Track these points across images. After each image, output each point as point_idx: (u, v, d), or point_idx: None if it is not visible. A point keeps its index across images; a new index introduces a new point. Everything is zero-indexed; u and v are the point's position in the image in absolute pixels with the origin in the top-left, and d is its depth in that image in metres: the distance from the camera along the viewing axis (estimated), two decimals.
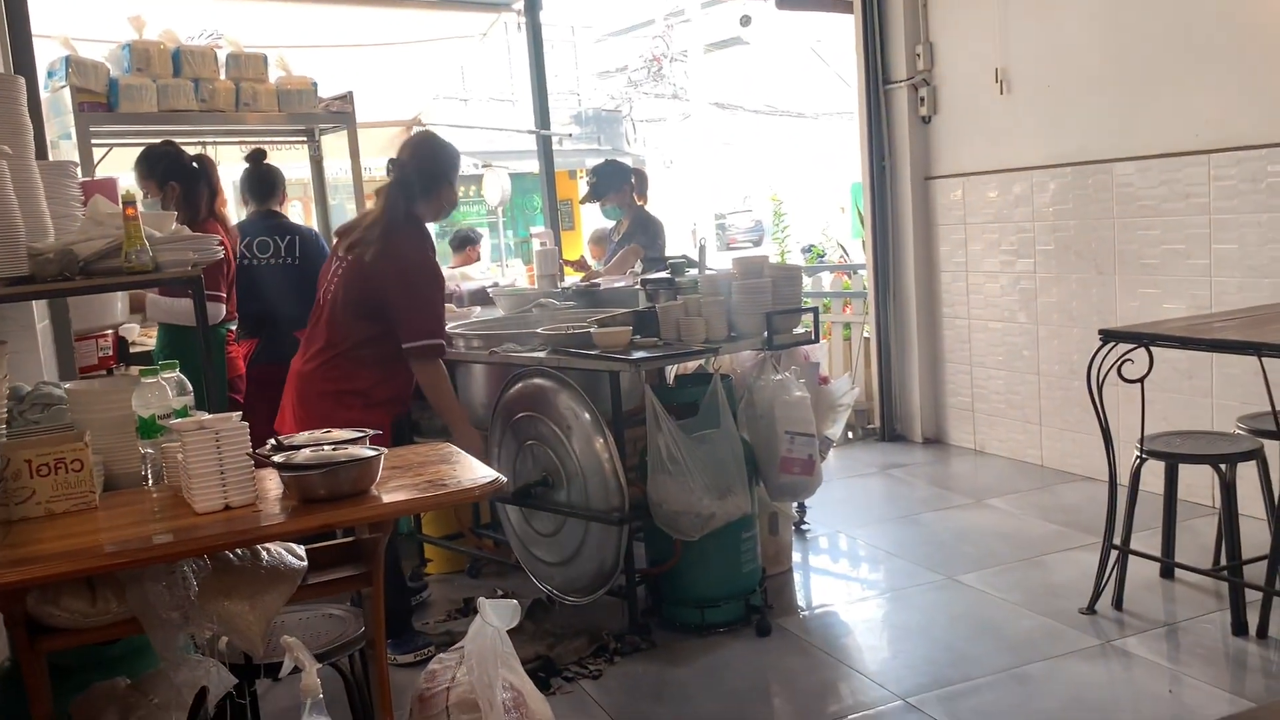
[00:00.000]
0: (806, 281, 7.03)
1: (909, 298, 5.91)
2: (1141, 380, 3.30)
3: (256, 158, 4.47)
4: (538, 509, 3.69)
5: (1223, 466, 3.35)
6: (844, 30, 6.24)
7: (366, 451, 1.87)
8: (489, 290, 5.23)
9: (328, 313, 3.43)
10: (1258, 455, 3.37)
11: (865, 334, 6.35)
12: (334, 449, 1.88)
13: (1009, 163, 5.25)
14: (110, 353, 3.76)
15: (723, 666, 3.35)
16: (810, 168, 19.18)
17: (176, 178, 4.03)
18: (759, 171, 21.04)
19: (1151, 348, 3.30)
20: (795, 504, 4.47)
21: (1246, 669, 3.14)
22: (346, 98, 5.40)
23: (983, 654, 3.28)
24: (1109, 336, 3.35)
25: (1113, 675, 3.15)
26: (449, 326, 3.96)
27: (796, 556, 4.32)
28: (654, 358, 3.50)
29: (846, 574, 4.31)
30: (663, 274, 4.03)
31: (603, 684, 3.28)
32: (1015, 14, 5.11)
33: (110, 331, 3.77)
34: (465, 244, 8.16)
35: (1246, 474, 3.48)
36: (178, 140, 4.37)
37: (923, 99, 5.67)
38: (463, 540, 4.33)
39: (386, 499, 1.86)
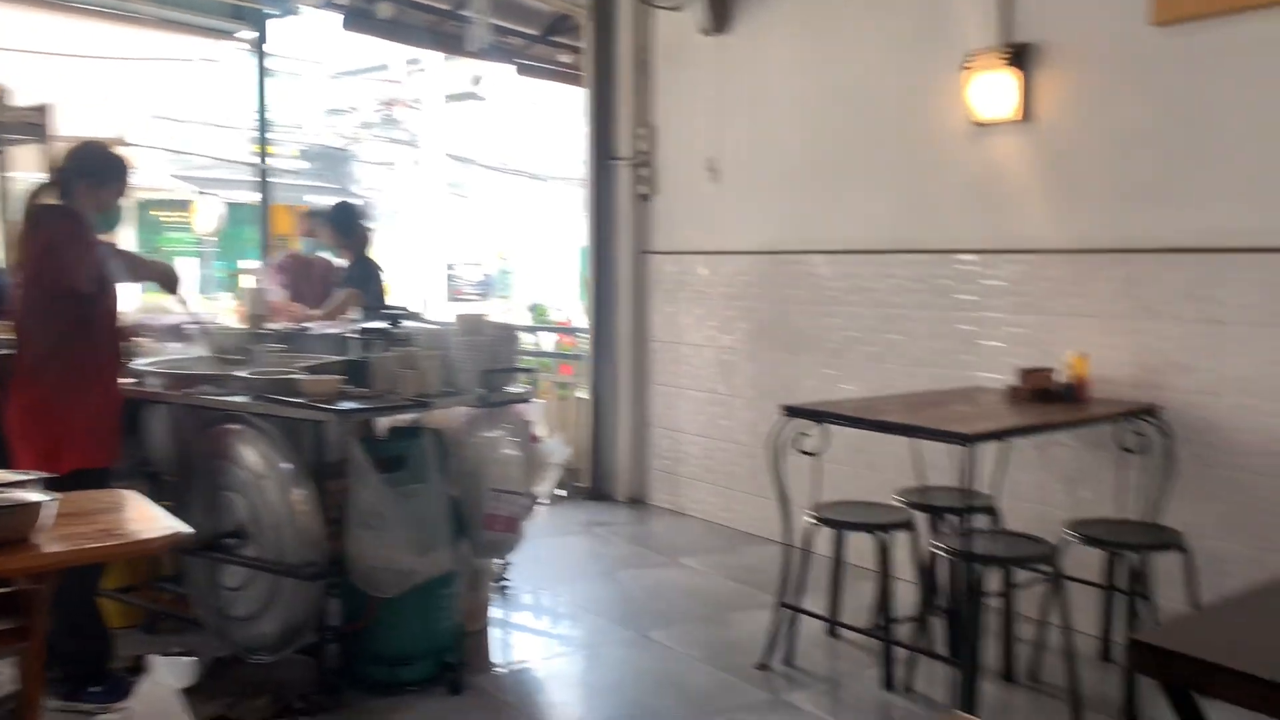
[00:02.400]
0: (529, 340, 7.18)
1: (622, 363, 6.17)
2: (817, 454, 3.64)
3: None
4: (226, 562, 3.52)
5: (880, 534, 3.73)
6: (575, 102, 6.51)
7: (32, 496, 1.75)
8: (188, 327, 4.94)
9: (20, 336, 3.33)
10: (909, 525, 3.79)
11: (580, 395, 6.54)
12: None
13: (717, 245, 5.65)
14: None
15: None
16: (542, 227, 19.56)
17: None
18: (491, 226, 21.20)
19: (825, 424, 3.65)
20: (498, 561, 4.51)
21: None
22: (42, 109, 5.01)
23: (665, 708, 3.45)
24: (789, 412, 3.67)
25: None
26: (143, 364, 3.78)
27: (498, 613, 4.36)
28: (362, 409, 3.46)
29: (544, 631, 4.39)
30: (380, 324, 3.99)
31: None
32: (729, 111, 5.54)
33: None
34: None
35: (904, 541, 3.91)
36: None
37: (643, 177, 6.00)
38: (139, 593, 4.03)
39: (47, 548, 1.74)
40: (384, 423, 3.96)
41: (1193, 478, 3.73)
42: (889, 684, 3.61)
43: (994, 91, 4.20)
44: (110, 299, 3.43)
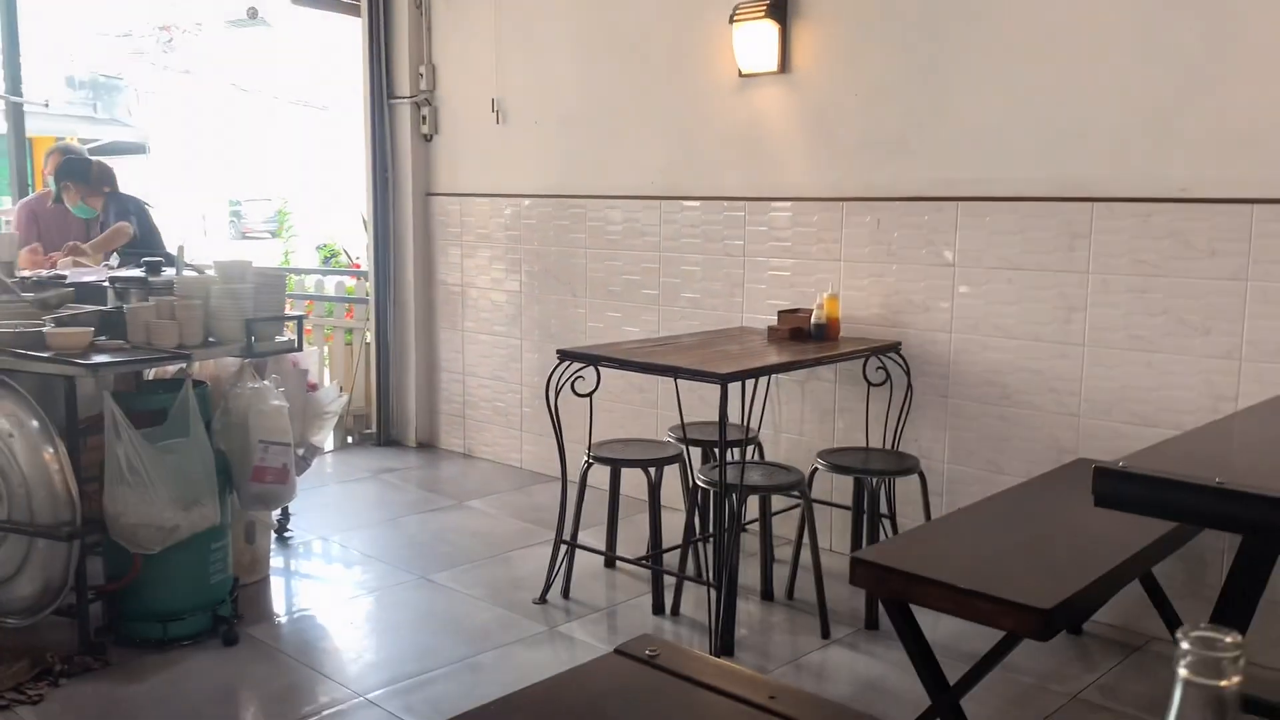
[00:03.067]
0: (313, 282, 7.00)
1: (408, 307, 6.13)
2: (590, 395, 3.77)
3: None
4: None
5: (651, 469, 3.92)
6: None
7: None
8: None
9: None
10: (679, 459, 4.00)
11: (367, 340, 6.46)
12: None
13: (501, 188, 5.66)
14: None
15: (183, 679, 3.28)
16: (333, 161, 18.85)
17: None
18: (279, 160, 20.24)
19: (599, 366, 3.78)
20: (277, 511, 4.47)
21: None
22: None
23: (442, 647, 3.54)
24: (564, 356, 3.78)
25: (557, 657, 3.55)
26: None
27: (278, 563, 4.33)
28: (116, 362, 3.33)
29: (327, 578, 4.39)
30: (136, 272, 3.83)
31: (43, 709, 3.07)
32: (509, 52, 5.53)
33: None
34: None
35: (674, 475, 4.13)
36: None
37: (424, 117, 5.92)
38: None
39: None
40: (145, 376, 3.84)
41: (930, 408, 4.09)
42: (658, 609, 3.83)
43: (756, 43, 4.38)
44: None
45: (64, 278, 4.36)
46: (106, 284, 3.92)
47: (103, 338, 3.49)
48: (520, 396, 5.71)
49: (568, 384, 3.77)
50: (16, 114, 6.95)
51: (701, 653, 1.26)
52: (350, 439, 6.37)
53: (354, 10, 6.34)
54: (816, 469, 3.85)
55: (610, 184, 5.16)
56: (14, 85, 6.90)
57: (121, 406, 3.25)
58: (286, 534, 4.61)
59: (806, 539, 3.76)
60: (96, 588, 3.48)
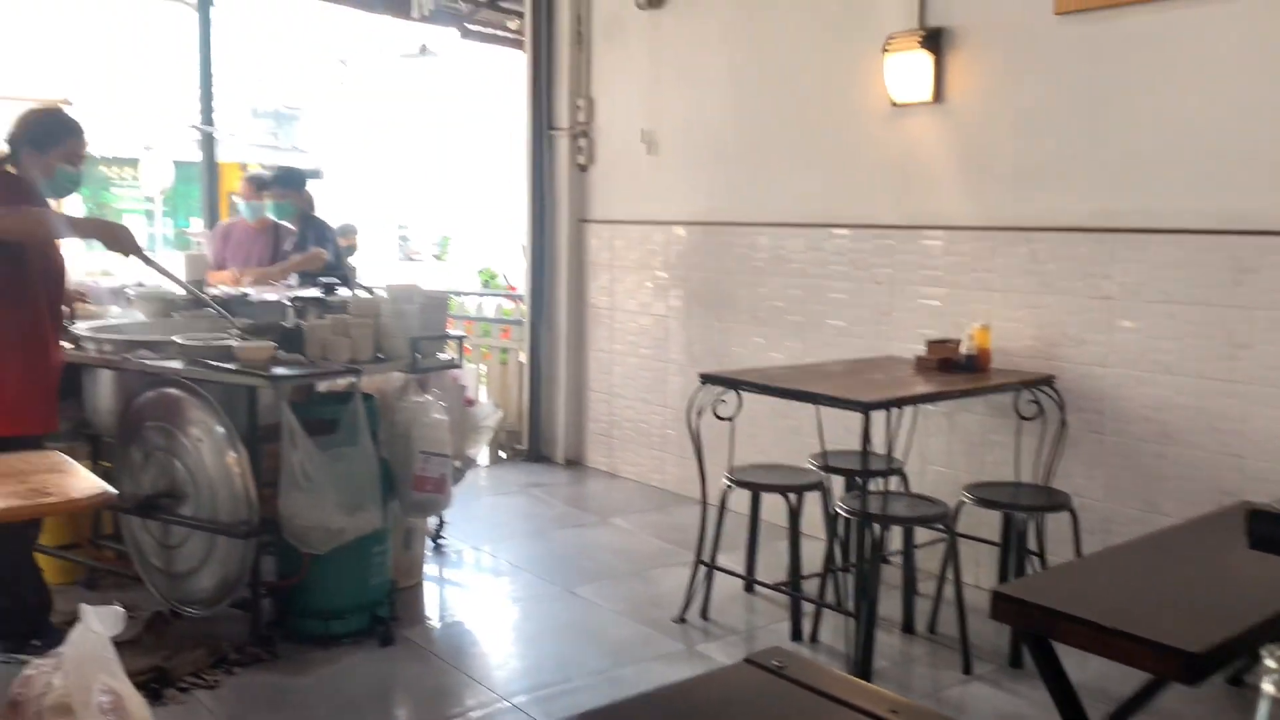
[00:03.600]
0: (474, 304, 7.32)
1: (560, 329, 6.34)
2: (731, 419, 3.84)
3: None
4: (163, 520, 3.66)
5: (791, 495, 3.95)
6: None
7: None
8: (129, 291, 5.02)
9: None
10: (820, 487, 4.01)
11: (521, 359, 6.70)
12: None
13: (651, 215, 5.81)
14: None
15: (343, 675, 3.49)
16: (491, 189, 19.54)
17: None
18: (441, 186, 21.13)
19: (740, 391, 3.84)
20: (433, 520, 4.69)
21: None
22: None
23: (584, 658, 3.66)
24: (706, 379, 3.86)
25: (694, 674, 3.60)
26: (83, 327, 3.87)
27: (432, 570, 4.54)
28: (295, 375, 3.59)
29: (477, 586, 4.58)
30: (314, 292, 4.12)
31: (219, 694, 3.33)
32: (664, 85, 5.68)
33: None
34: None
35: (814, 502, 4.13)
36: None
37: (581, 148, 6.14)
38: (80, 550, 4.16)
39: None
40: (318, 388, 4.12)
41: (1084, 444, 3.98)
42: (796, 635, 3.84)
43: (910, 73, 4.39)
44: (50, 263, 3.46)
45: (248, 295, 4.72)
46: (288, 303, 4.23)
47: (282, 352, 3.77)
48: (664, 418, 5.82)
49: (710, 407, 3.84)
50: (208, 142, 7.56)
51: (827, 666, 1.31)
52: (502, 454, 6.61)
53: (518, 44, 6.64)
54: (963, 503, 3.80)
55: (759, 211, 5.23)
56: (207, 115, 7.51)
57: (297, 416, 3.51)
58: (441, 542, 4.83)
59: (950, 573, 3.71)
60: (269, 584, 3.74)
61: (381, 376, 4.13)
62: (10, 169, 3.42)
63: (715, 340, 5.48)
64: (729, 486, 3.95)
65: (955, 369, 4.01)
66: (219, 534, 3.52)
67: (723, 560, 4.09)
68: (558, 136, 6.22)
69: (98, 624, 2.21)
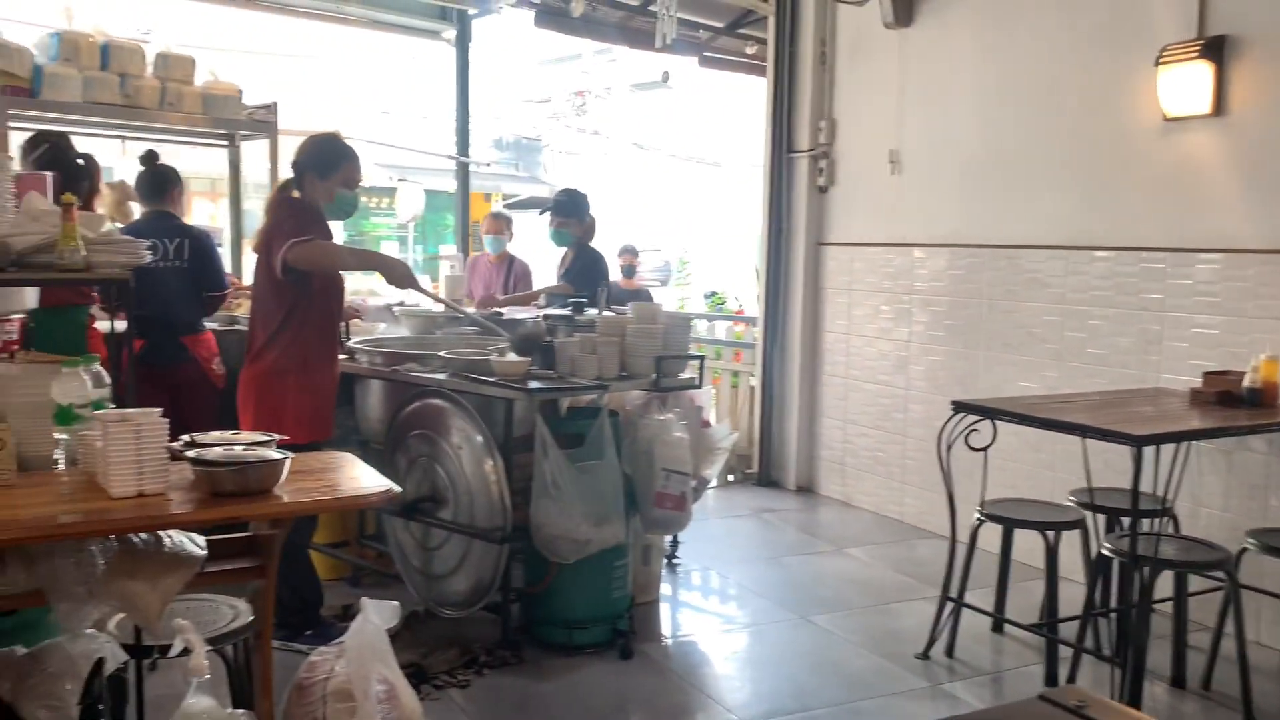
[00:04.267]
0: (704, 327, 7.38)
1: (794, 353, 6.28)
2: (985, 449, 3.67)
3: (149, 158, 4.43)
4: (424, 523, 3.87)
5: (1049, 533, 3.72)
6: (758, 93, 6.63)
7: (274, 454, 2.06)
8: (394, 308, 5.37)
9: (250, 318, 3.68)
10: (1080, 525, 3.76)
11: (752, 383, 6.69)
12: (245, 449, 2.06)
13: (894, 237, 5.67)
14: (15, 337, 3.81)
15: (585, 685, 3.57)
16: (720, 214, 19.70)
17: (58, 169, 3.97)
18: (670, 213, 21.49)
19: (995, 420, 3.67)
20: (668, 538, 4.73)
21: None
22: (270, 108, 5.52)
23: (822, 688, 3.57)
24: (959, 407, 3.71)
25: (939, 715, 3.46)
26: (356, 342, 4.16)
27: (666, 588, 4.58)
28: (548, 389, 3.73)
29: (710, 608, 4.58)
30: (564, 311, 4.27)
31: (470, 693, 3.47)
32: (910, 104, 5.55)
33: (17, 317, 3.82)
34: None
35: (1073, 541, 3.88)
36: (97, 133, 4.42)
37: (821, 170, 6.08)
38: (347, 549, 4.47)
39: (287, 499, 2.05)
40: (565, 402, 4.25)
41: None
42: (1052, 681, 3.61)
43: (1187, 85, 4.08)
44: (332, 283, 3.73)
45: (501, 314, 4.95)
46: (539, 321, 4.39)
47: (535, 367, 3.91)
48: (903, 448, 5.64)
49: (960, 437, 3.68)
50: (464, 173, 8.02)
51: (1130, 710, 1.21)
52: (730, 477, 6.60)
53: (760, 70, 6.67)
54: (1246, 549, 3.46)
55: (1011, 233, 5.00)
56: (463, 147, 7.97)
57: (548, 429, 3.63)
58: (675, 561, 4.87)
59: (1229, 625, 3.38)
60: (518, 590, 3.88)
61: (624, 394, 4.23)
62: (295, 194, 3.70)
63: (960, 367, 5.27)
64: (980, 521, 3.77)
65: (1237, 403, 3.67)
66: (475, 538, 3.69)
67: (969, 598, 3.90)
68: (797, 159, 6.19)
69: (376, 617, 2.35)
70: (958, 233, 5.28)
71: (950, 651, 3.86)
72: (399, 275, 3.65)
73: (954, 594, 3.86)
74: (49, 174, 3.08)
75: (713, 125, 20.43)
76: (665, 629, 4.20)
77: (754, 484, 6.48)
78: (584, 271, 5.30)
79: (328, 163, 3.67)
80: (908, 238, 5.58)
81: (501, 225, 6.15)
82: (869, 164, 5.80)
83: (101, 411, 2.12)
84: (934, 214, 5.42)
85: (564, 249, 5.51)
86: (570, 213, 5.33)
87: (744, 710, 3.40)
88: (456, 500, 3.74)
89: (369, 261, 3.82)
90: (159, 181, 4.43)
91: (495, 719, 3.32)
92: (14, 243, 2.31)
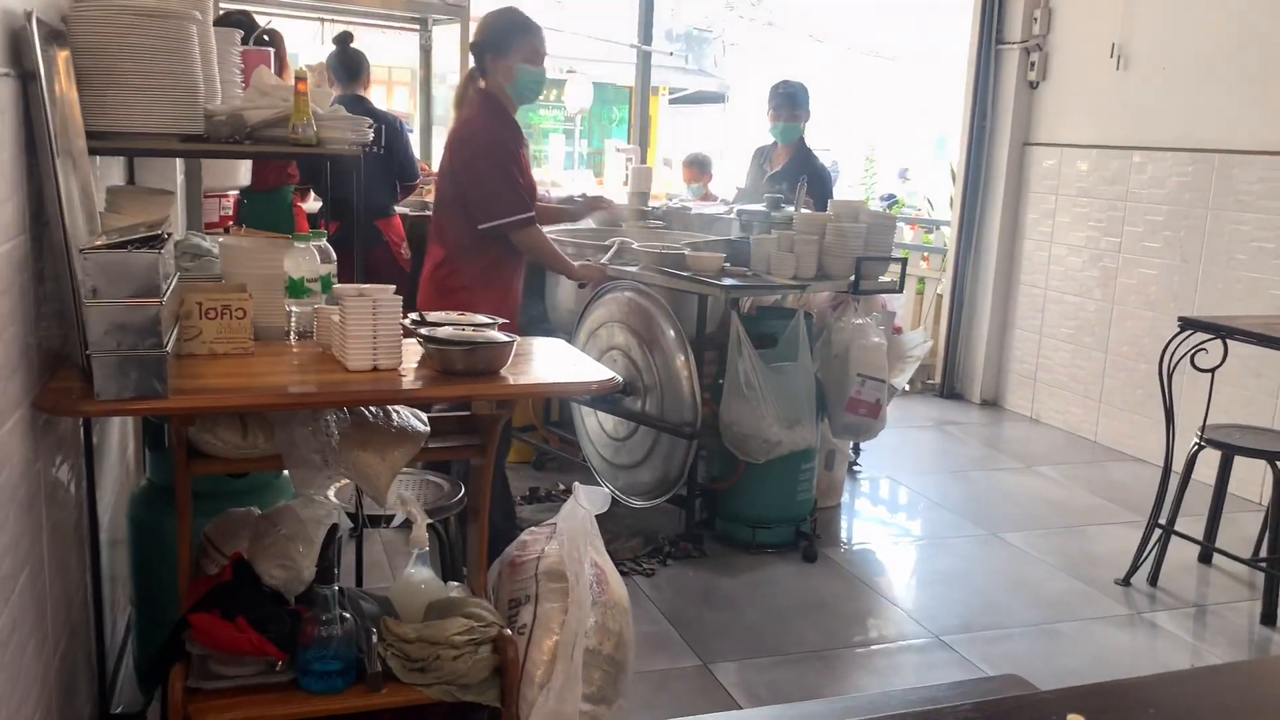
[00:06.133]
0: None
1: (989, 260, 5.97)
2: (1213, 371, 3.40)
3: (343, 40, 4.39)
4: (614, 414, 3.89)
5: (1277, 463, 3.45)
6: None
7: (503, 337, 2.05)
8: (576, 199, 5.31)
9: (435, 214, 3.45)
10: None
11: (939, 290, 6.42)
12: (473, 330, 2.07)
13: (1109, 139, 5.25)
14: (230, 212, 3.96)
15: (768, 583, 3.56)
16: (898, 112, 18.85)
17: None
18: (844, 110, 20.71)
19: (1228, 340, 3.38)
20: (851, 445, 4.63)
21: (1270, 655, 3.29)
22: None
23: (1017, 607, 3.46)
24: (1188, 324, 3.44)
25: (1137, 644, 3.31)
26: (549, 232, 4.10)
27: (846, 495, 4.51)
28: (744, 286, 3.64)
29: (893, 518, 4.49)
30: (759, 207, 4.15)
31: (655, 582, 3.51)
32: None
33: (232, 192, 3.97)
34: None
35: None
36: (294, 15, 4.46)
37: (1033, 63, 5.66)
38: (534, 434, 4.56)
39: (514, 381, 2.05)
40: (749, 301, 4.14)
41: None
42: (1270, 618, 3.39)
43: None
44: (528, 179, 3.39)
45: (688, 208, 4.86)
46: (730, 216, 4.29)
47: (729, 264, 3.82)
48: (1104, 365, 5.33)
49: (1188, 356, 3.42)
50: (645, 63, 7.85)
51: None
52: (906, 387, 6.40)
53: None
54: None
55: (1249, 138, 4.56)
56: (646, 36, 7.78)
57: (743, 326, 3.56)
58: (856, 468, 4.78)
59: None
60: (703, 485, 3.87)
61: (815, 295, 4.10)
62: (482, 83, 3.36)
63: (1176, 282, 4.90)
64: (1200, 447, 3.52)
65: None
66: (665, 432, 3.68)
67: (1178, 527, 3.68)
68: (1006, 50, 5.78)
69: (586, 502, 2.36)
70: (1188, 136, 4.84)
71: (1153, 579, 3.67)
72: (591, 279, 3.68)
73: (1164, 521, 3.64)
74: (271, 50, 3.12)
75: (902, 18, 19.38)
76: (846, 535, 4.14)
77: (935, 395, 6.27)
78: (815, 186, 4.59)
79: (505, 39, 3.30)
80: (1126, 140, 5.16)
81: (696, 173, 6.01)
82: (1088, 58, 5.36)
83: (339, 286, 2.15)
84: (1160, 115, 4.98)
85: (774, 144, 4.90)
86: (804, 103, 4.77)
87: (933, 622, 3.32)
88: (647, 393, 3.73)
89: (567, 269, 3.52)
90: (354, 64, 4.46)
91: (681, 607, 3.34)
92: (248, 116, 2.35)
